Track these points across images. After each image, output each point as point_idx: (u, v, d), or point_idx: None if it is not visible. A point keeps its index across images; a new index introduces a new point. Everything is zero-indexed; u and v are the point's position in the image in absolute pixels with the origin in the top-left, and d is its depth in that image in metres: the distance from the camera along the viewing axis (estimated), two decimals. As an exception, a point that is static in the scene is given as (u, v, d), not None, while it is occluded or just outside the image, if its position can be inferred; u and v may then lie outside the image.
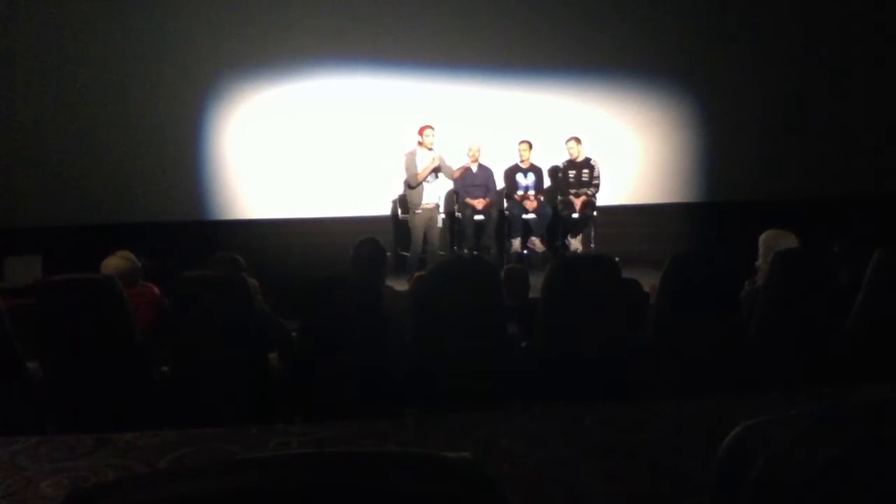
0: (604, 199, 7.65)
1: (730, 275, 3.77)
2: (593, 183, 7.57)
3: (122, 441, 2.67)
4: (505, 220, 7.59)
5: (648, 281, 4.11)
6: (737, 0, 8.29)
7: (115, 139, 7.43)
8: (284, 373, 3.54)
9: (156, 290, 3.91)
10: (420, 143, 7.10)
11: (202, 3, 7.61)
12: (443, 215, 7.37)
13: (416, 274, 4.55)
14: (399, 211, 7.64)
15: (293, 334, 3.52)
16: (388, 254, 4.53)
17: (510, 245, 7.54)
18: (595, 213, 7.54)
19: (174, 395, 3.38)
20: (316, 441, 2.69)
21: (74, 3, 7.36)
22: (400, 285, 5.37)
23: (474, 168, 7.47)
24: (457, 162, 7.34)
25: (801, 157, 8.13)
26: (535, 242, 7.65)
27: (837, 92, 8.21)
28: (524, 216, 7.46)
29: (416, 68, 7.90)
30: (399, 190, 7.56)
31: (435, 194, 7.18)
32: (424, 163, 7.03)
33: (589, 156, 7.62)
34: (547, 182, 7.82)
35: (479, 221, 7.40)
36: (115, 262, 3.79)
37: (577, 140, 7.60)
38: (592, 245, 7.54)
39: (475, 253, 7.27)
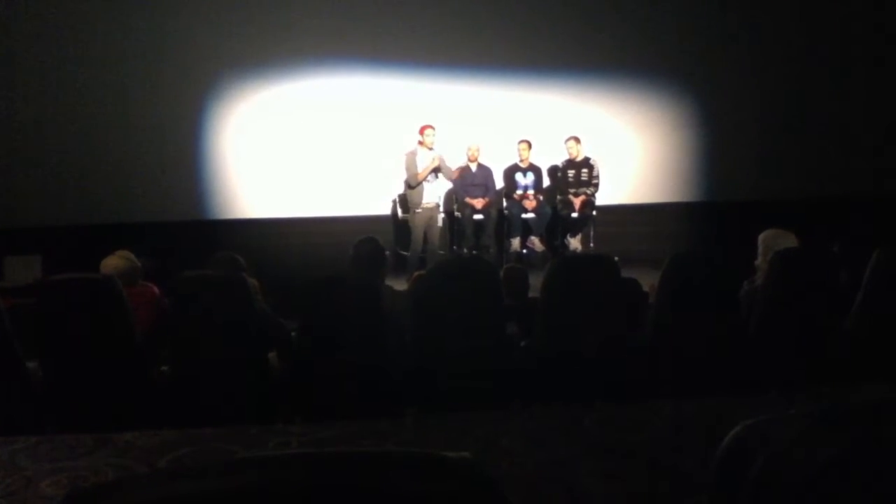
0: (603, 198, 7.65)
1: (729, 274, 3.77)
2: (592, 182, 7.57)
3: (122, 441, 2.67)
4: (504, 220, 7.59)
5: (648, 280, 4.11)
6: (737, 0, 8.30)
7: (115, 139, 7.43)
8: (284, 372, 3.54)
9: (156, 289, 3.91)
10: (420, 143, 7.10)
11: (202, 3, 7.61)
12: (443, 215, 7.37)
13: (416, 273, 4.54)
14: (399, 210, 7.64)
15: (293, 334, 3.52)
16: (388, 253, 4.52)
17: (509, 244, 7.53)
18: (594, 213, 7.54)
19: (174, 394, 3.38)
20: (316, 441, 2.69)
21: (74, 3, 7.37)
22: (399, 285, 5.36)
23: (474, 167, 7.48)
24: (457, 161, 7.35)
25: (800, 157, 8.13)
26: (535, 242, 7.64)
27: (837, 92, 8.21)
28: (523, 216, 7.46)
29: (416, 68, 7.90)
30: (399, 189, 7.55)
31: (435, 194, 7.18)
32: (425, 162, 7.03)
33: (588, 155, 7.63)
34: (546, 181, 7.82)
35: (479, 221, 7.41)
36: (114, 262, 3.79)
37: (577, 139, 7.60)
38: (592, 244, 7.54)
39: (475, 252, 7.27)
